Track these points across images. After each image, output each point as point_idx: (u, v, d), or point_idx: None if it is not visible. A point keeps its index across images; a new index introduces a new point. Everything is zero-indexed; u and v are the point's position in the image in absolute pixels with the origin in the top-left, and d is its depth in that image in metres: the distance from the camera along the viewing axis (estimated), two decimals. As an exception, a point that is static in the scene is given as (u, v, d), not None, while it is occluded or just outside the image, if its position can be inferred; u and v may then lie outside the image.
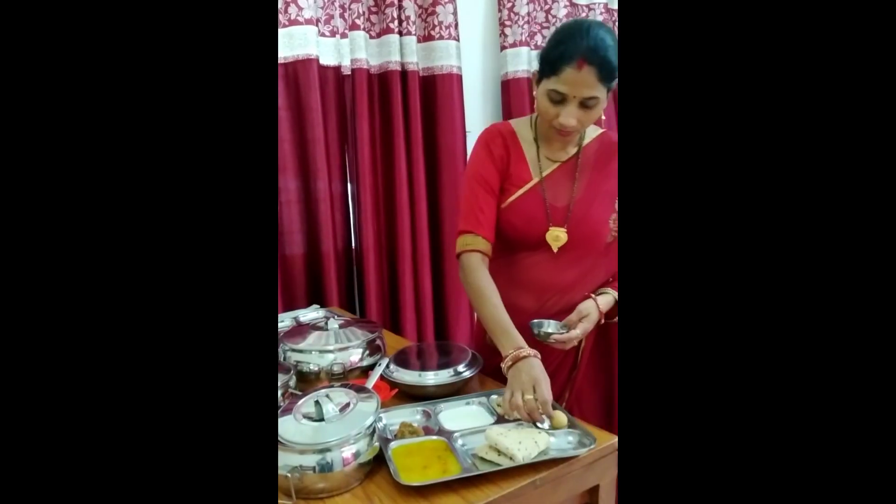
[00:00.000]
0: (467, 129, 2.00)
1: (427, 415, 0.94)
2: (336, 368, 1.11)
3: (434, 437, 0.86)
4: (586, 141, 1.16)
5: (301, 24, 1.64)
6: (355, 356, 1.13)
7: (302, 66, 1.67)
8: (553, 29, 2.22)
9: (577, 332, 1.05)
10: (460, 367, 1.05)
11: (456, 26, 1.93)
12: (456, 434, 0.87)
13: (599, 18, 2.29)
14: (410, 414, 0.95)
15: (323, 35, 1.72)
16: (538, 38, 2.20)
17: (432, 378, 1.02)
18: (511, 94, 2.11)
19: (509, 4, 2.08)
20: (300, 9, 1.63)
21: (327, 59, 1.74)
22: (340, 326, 1.20)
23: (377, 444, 0.82)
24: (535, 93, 1.09)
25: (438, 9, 1.88)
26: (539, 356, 0.95)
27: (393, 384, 1.03)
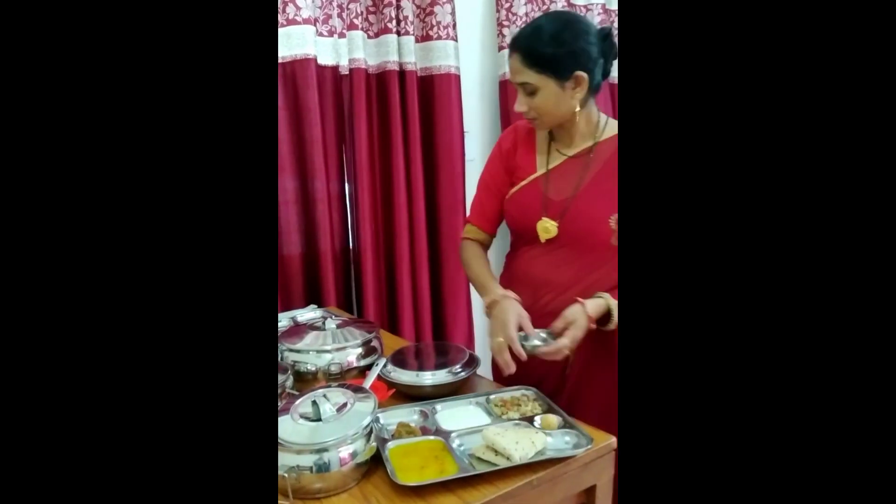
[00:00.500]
0: (465, 130, 2.00)
1: (424, 415, 0.94)
2: (333, 368, 1.10)
3: (431, 437, 0.86)
4: (604, 136, 1.11)
5: (299, 23, 1.64)
6: (353, 356, 1.13)
7: (300, 65, 1.66)
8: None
9: (565, 341, 0.98)
10: (457, 368, 1.05)
11: (454, 26, 1.93)
12: (453, 434, 0.87)
13: (597, 19, 2.29)
14: (408, 414, 0.95)
15: (321, 35, 1.72)
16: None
17: (430, 378, 1.02)
18: (509, 95, 2.11)
19: (507, 5, 2.08)
20: (298, 8, 1.63)
21: (325, 59, 1.74)
22: (338, 326, 1.20)
23: (374, 444, 0.82)
24: None
25: (436, 9, 1.88)
26: (515, 298, 1.04)
27: (390, 384, 1.03)
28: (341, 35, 1.76)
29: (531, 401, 0.98)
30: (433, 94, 1.95)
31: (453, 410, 0.96)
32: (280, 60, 1.67)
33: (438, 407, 0.96)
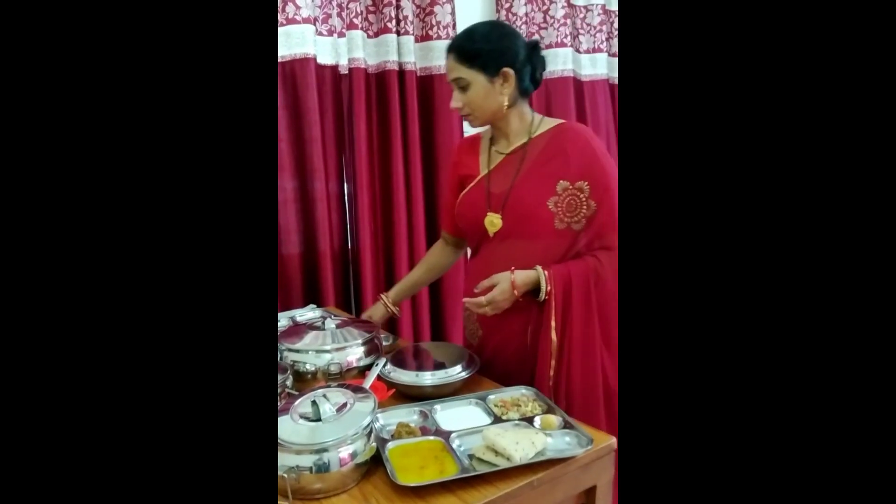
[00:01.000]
0: (464, 130, 2.00)
1: (424, 415, 0.94)
2: (333, 368, 1.10)
3: (431, 438, 0.86)
4: (538, 132, 1.20)
5: (298, 22, 1.64)
6: (352, 356, 1.13)
7: (299, 65, 1.66)
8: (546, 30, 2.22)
9: (482, 299, 1.10)
10: (457, 368, 1.05)
11: (454, 26, 1.92)
12: (453, 434, 0.86)
13: (597, 20, 2.30)
14: (407, 414, 0.94)
15: (320, 34, 1.72)
16: (536, 39, 2.20)
17: (429, 378, 1.02)
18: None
19: (507, 5, 2.08)
20: (298, 7, 1.63)
21: (325, 59, 1.73)
22: (337, 326, 1.20)
23: (374, 444, 0.81)
24: None
25: (436, 9, 1.88)
26: (385, 304, 1.39)
27: (390, 384, 1.03)
28: (341, 34, 1.76)
29: (531, 401, 0.97)
30: (433, 94, 1.94)
31: (453, 411, 0.96)
32: (280, 60, 1.66)
33: (438, 407, 0.96)
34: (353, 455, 0.77)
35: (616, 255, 1.13)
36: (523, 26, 2.11)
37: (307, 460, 0.75)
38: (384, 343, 1.26)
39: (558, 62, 2.22)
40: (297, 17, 1.63)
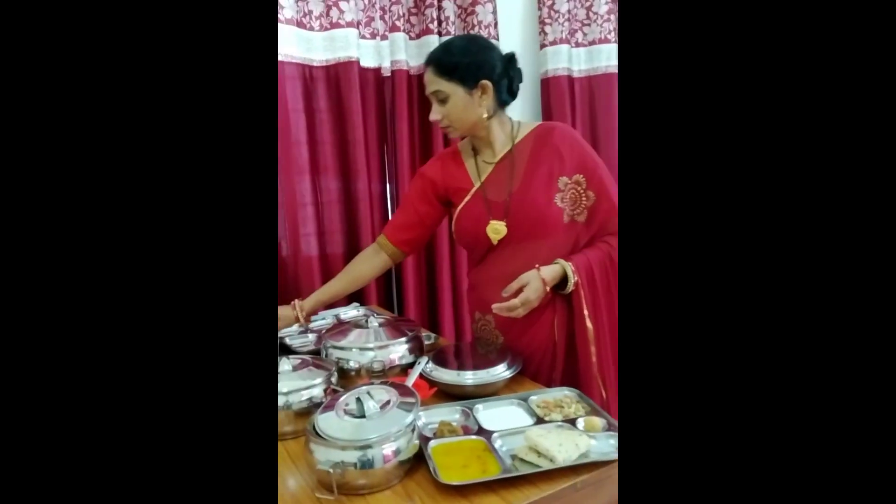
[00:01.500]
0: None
1: (466, 414, 0.94)
2: (376, 366, 1.12)
3: (473, 437, 0.86)
4: (519, 137, 1.22)
5: (342, 26, 1.67)
6: (395, 354, 1.14)
7: (343, 68, 1.69)
8: (590, 27, 2.19)
9: (516, 301, 1.08)
10: (499, 367, 1.05)
11: (495, 25, 1.92)
12: (495, 434, 0.86)
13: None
14: (449, 413, 0.95)
15: (363, 37, 1.75)
16: (579, 36, 2.17)
17: (471, 378, 1.02)
18: (551, 93, 2.09)
19: (549, 2, 2.06)
20: (341, 12, 1.66)
21: (367, 61, 1.76)
22: (380, 325, 1.21)
23: (417, 441, 0.82)
24: None
25: (478, 8, 1.88)
26: (294, 307, 1.25)
27: (432, 383, 1.03)
28: (383, 37, 1.78)
29: (574, 402, 0.96)
30: (474, 93, 1.95)
31: (495, 410, 0.96)
32: (324, 63, 1.70)
33: (480, 406, 0.96)
34: (397, 452, 0.78)
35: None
36: (566, 23, 2.09)
37: (352, 456, 0.76)
38: (426, 342, 1.27)
39: (602, 58, 2.18)
40: (341, 22, 1.67)
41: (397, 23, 1.78)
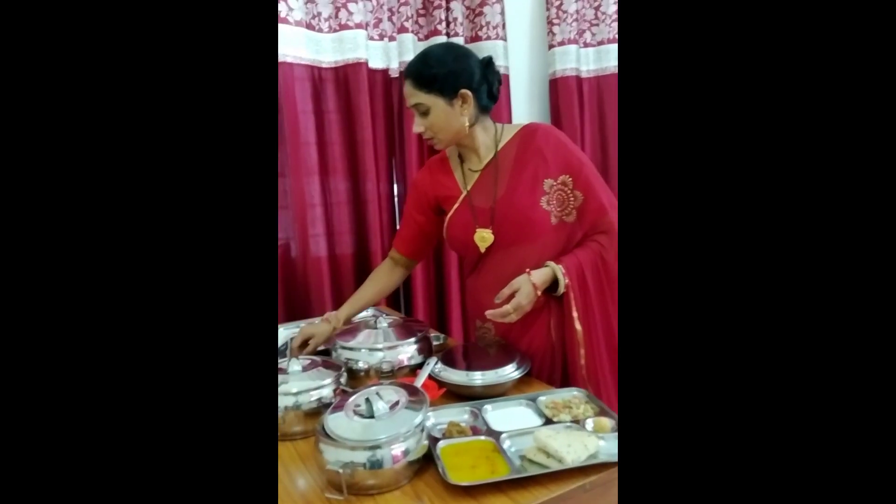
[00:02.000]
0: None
1: (475, 415, 0.95)
2: (385, 367, 1.12)
3: (482, 438, 0.87)
4: (503, 142, 1.23)
5: (351, 28, 1.68)
6: (404, 355, 1.15)
7: (352, 69, 1.70)
8: (598, 26, 2.18)
9: (508, 307, 1.09)
10: (508, 368, 1.05)
11: (503, 26, 1.92)
12: (504, 435, 0.87)
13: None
14: (458, 413, 0.95)
15: (372, 38, 1.75)
16: (587, 36, 2.17)
17: (480, 378, 1.03)
18: (559, 94, 2.09)
19: (557, 2, 2.06)
20: (350, 13, 1.67)
21: (376, 63, 1.77)
22: (389, 325, 1.22)
23: (426, 442, 0.82)
24: None
25: (486, 9, 1.89)
26: (327, 320, 1.26)
27: (441, 383, 1.04)
28: (392, 38, 1.79)
29: (583, 403, 0.96)
30: (482, 94, 1.95)
31: (504, 411, 0.96)
32: (332, 65, 1.71)
33: (489, 407, 0.96)
34: (406, 452, 0.79)
35: (614, 235, 1.17)
36: (574, 23, 2.08)
37: (361, 456, 0.77)
38: (435, 342, 1.28)
39: (610, 59, 2.18)
40: (350, 23, 1.67)
41: (405, 24, 1.78)
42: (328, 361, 1.07)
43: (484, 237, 1.20)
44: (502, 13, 1.91)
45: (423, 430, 0.82)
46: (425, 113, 1.15)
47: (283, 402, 0.93)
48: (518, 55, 2.05)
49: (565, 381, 1.18)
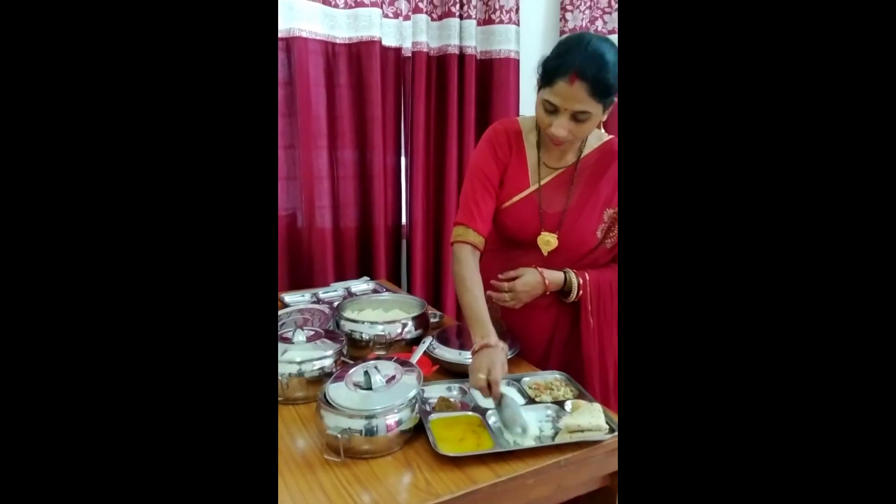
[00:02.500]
0: (520, 113, 2.02)
1: (463, 391, 1.02)
2: (384, 339, 1.19)
3: (470, 413, 0.94)
4: (587, 151, 1.18)
5: (367, 5, 1.70)
6: (402, 329, 1.22)
7: (365, 47, 1.73)
8: (610, 17, 2.19)
9: (506, 285, 1.14)
10: (498, 350, 1.12)
11: (517, 10, 1.94)
12: (489, 412, 0.94)
13: None
14: (448, 389, 1.03)
15: (387, 17, 1.77)
16: (599, 24, 2.18)
17: (471, 357, 1.10)
18: (567, 81, 2.11)
19: (572, -11, 2.06)
20: (366, -9, 1.69)
21: (389, 41, 1.79)
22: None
23: (418, 414, 0.90)
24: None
25: (500, -8, 1.90)
26: (504, 347, 1.01)
27: (434, 360, 1.11)
28: (406, 17, 1.81)
29: (563, 385, 1.04)
30: (491, 78, 1.98)
31: (491, 389, 1.03)
32: (346, 41, 1.74)
33: (477, 385, 1.03)
34: (399, 422, 0.86)
35: None
36: (587, 10, 2.10)
37: (358, 424, 0.84)
38: (432, 319, 1.35)
39: (621, 48, 2.19)
40: (366, 1, 1.69)
41: (420, 4, 1.80)
42: (331, 332, 1.14)
43: (549, 241, 1.16)
44: (517, -3, 1.92)
45: (415, 404, 0.90)
46: (582, 120, 1.03)
47: (288, 369, 1.00)
48: (530, 40, 2.07)
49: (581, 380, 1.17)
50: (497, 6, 1.91)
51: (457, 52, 1.88)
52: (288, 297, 1.48)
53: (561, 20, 2.10)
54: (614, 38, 2.18)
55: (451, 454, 0.83)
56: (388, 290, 1.54)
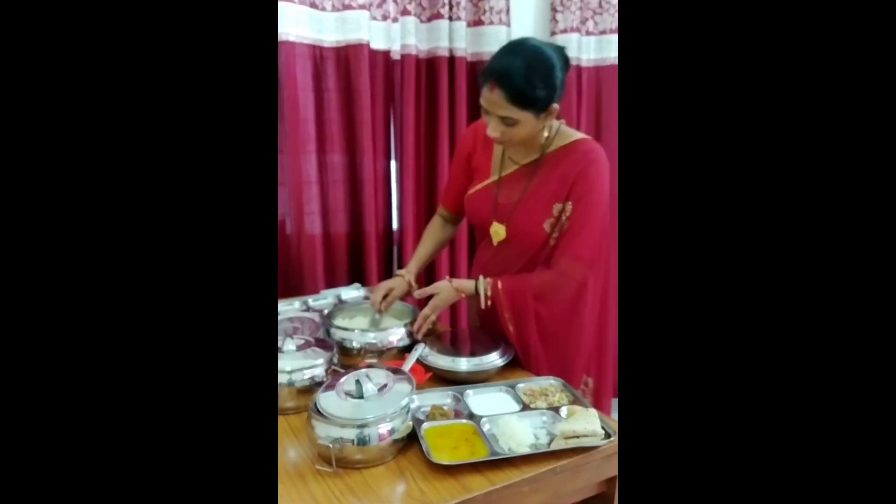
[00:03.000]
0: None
1: (457, 399, 1.01)
2: (375, 347, 1.18)
3: (464, 421, 0.93)
4: (552, 148, 1.20)
5: (354, 8, 1.68)
6: (394, 336, 1.20)
7: (353, 50, 1.71)
8: (602, 14, 2.19)
9: (427, 310, 1.20)
10: (492, 356, 1.11)
11: (507, 11, 1.93)
12: (483, 419, 0.93)
13: None
14: (441, 397, 1.01)
15: (375, 19, 1.76)
16: (590, 24, 2.17)
17: (465, 364, 1.08)
18: (557, 82, 2.10)
19: (562, -10, 2.06)
20: (354, -6, 1.67)
21: (378, 44, 1.77)
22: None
23: (411, 423, 0.88)
24: None
25: (490, -6, 1.89)
26: (402, 275, 1.34)
27: (427, 368, 1.10)
28: (394, 20, 1.79)
29: (558, 391, 1.03)
30: (482, 80, 1.96)
31: (484, 396, 1.02)
32: (334, 45, 1.72)
33: (470, 392, 1.02)
34: (392, 431, 0.85)
35: (560, 279, 1.17)
36: (577, 11, 2.09)
37: (350, 433, 0.83)
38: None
39: (611, 49, 2.19)
40: (353, 4, 1.68)
41: (408, 6, 1.79)
42: (322, 341, 1.12)
43: (498, 231, 1.24)
44: (506, -2, 1.91)
45: (408, 412, 0.88)
46: (511, 124, 1.09)
47: (278, 379, 0.98)
48: (519, 41, 2.06)
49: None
50: (487, 7, 1.90)
51: (446, 54, 1.86)
52: (280, 306, 1.46)
53: (551, 21, 2.09)
54: (600, 39, 2.18)
55: (445, 462, 0.81)
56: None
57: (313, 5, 1.66)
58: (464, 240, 1.99)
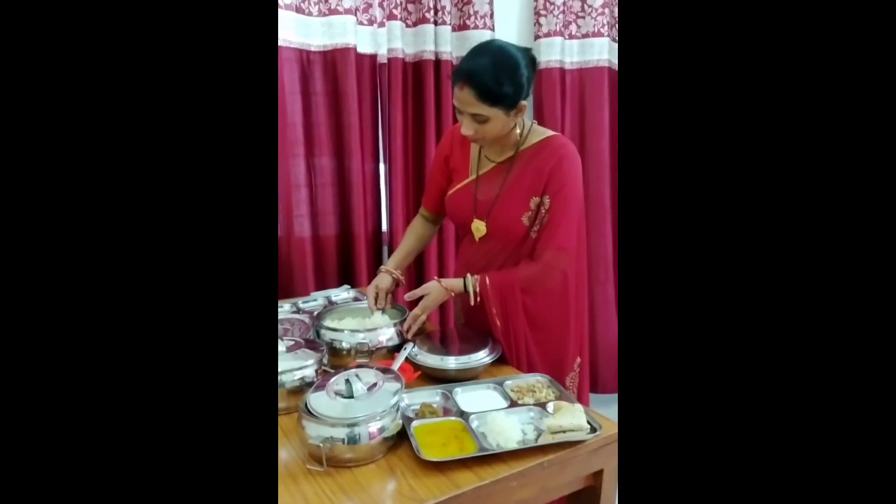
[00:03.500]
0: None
1: (446, 396, 1.02)
2: (365, 347, 1.19)
3: (453, 418, 0.94)
4: (525, 145, 1.26)
5: (340, 13, 1.70)
6: (383, 337, 1.22)
7: (340, 54, 1.73)
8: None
9: (417, 310, 1.23)
10: (480, 354, 1.13)
11: (491, 16, 1.95)
12: (472, 416, 0.94)
13: None
14: (430, 395, 1.03)
15: (361, 24, 1.77)
16: (573, 28, 2.20)
17: (453, 363, 1.10)
18: (542, 85, 2.13)
19: (545, -6, 2.08)
20: (340, -1, 1.69)
21: (364, 48, 1.79)
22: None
23: (400, 421, 0.90)
24: None
25: (474, -1, 1.91)
26: (388, 272, 1.38)
27: (416, 367, 1.11)
28: (381, 24, 1.81)
29: (545, 388, 1.05)
30: (468, 83, 1.98)
31: (473, 394, 1.03)
32: (321, 49, 1.73)
33: (459, 390, 1.03)
34: (382, 430, 0.86)
35: (545, 270, 1.22)
36: (560, 15, 2.12)
37: (340, 432, 0.84)
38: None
39: (594, 52, 2.22)
40: (339, 9, 1.69)
41: (395, 11, 1.81)
42: (311, 342, 1.13)
43: (479, 228, 1.29)
44: (491, 3, 1.94)
45: (397, 410, 0.90)
46: (483, 122, 1.14)
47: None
48: (504, 45, 2.08)
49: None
50: (472, 12, 1.93)
51: (433, 58, 1.88)
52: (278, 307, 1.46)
53: (535, 25, 2.12)
54: (583, 43, 2.21)
55: (435, 459, 0.83)
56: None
57: (300, 10, 1.68)
58: (451, 240, 2.00)
